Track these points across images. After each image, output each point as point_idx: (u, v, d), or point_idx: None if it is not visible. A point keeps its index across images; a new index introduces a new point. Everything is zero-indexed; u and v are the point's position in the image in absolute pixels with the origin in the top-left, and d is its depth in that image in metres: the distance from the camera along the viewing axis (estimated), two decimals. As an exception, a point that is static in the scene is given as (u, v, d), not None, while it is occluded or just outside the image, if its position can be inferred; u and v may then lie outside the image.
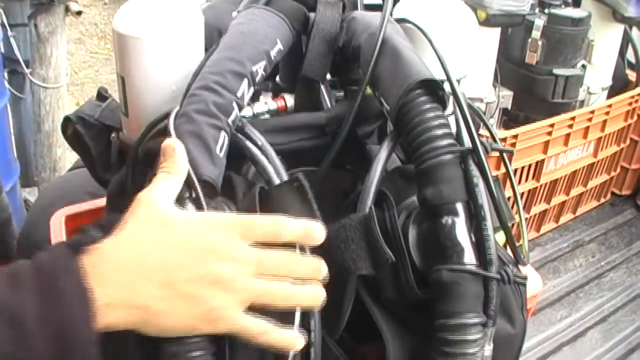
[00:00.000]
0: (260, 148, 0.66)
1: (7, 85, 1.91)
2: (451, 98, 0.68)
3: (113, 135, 0.82)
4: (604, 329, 1.84)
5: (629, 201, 2.38)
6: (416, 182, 0.66)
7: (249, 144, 0.66)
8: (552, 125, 1.82)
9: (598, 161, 2.12)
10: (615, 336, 1.82)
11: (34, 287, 0.47)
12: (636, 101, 2.11)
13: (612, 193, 2.38)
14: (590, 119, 1.94)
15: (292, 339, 0.55)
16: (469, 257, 0.62)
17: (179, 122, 0.61)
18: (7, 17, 1.84)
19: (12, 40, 1.89)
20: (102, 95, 0.87)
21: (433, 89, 0.66)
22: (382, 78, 0.69)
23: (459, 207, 0.63)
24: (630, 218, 2.32)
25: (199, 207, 0.56)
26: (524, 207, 1.97)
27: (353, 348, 0.71)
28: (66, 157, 2.20)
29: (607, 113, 2.00)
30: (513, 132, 1.75)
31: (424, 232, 0.66)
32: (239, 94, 0.65)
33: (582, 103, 2.02)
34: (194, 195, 0.56)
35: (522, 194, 1.94)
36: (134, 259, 0.51)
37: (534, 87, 1.90)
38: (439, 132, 0.64)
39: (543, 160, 1.88)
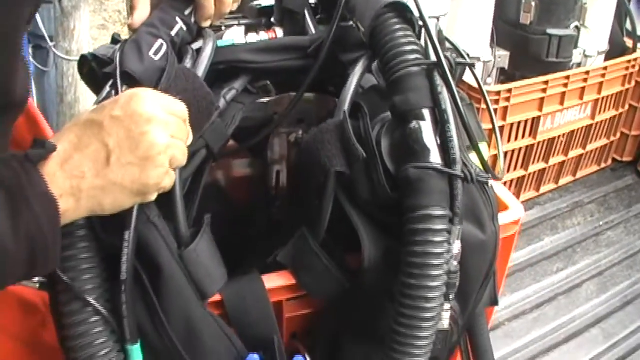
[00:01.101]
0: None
1: (31, 59, 2.01)
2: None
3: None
4: (600, 282, 1.89)
5: (630, 167, 2.41)
6: (388, 94, 0.74)
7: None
8: (546, 83, 1.88)
9: (596, 124, 2.17)
10: (611, 289, 1.86)
11: (3, 202, 0.52)
12: (633, 66, 2.15)
13: (614, 159, 2.41)
14: (585, 80, 1.99)
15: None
16: (435, 157, 0.70)
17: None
18: (32, -6, 1.94)
19: (37, 16, 1.99)
20: (116, 40, 0.97)
21: (402, 12, 0.75)
22: (358, 6, 0.78)
23: (425, 112, 0.71)
24: (631, 183, 2.34)
25: (117, 91, 0.69)
26: (521, 165, 2.02)
27: (337, 253, 0.78)
28: (87, 127, 2.29)
29: (603, 75, 2.05)
30: (507, 86, 1.81)
31: (396, 140, 0.75)
32: (185, 12, 0.78)
33: (578, 65, 2.07)
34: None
35: (519, 150, 2.00)
36: (71, 149, 0.57)
37: (528, 46, 1.95)
38: (408, 48, 0.73)
39: (539, 117, 1.93)
